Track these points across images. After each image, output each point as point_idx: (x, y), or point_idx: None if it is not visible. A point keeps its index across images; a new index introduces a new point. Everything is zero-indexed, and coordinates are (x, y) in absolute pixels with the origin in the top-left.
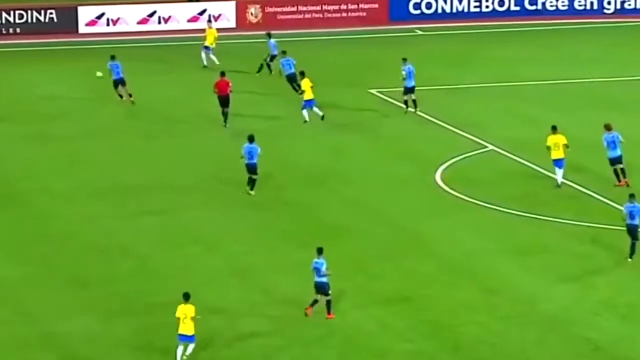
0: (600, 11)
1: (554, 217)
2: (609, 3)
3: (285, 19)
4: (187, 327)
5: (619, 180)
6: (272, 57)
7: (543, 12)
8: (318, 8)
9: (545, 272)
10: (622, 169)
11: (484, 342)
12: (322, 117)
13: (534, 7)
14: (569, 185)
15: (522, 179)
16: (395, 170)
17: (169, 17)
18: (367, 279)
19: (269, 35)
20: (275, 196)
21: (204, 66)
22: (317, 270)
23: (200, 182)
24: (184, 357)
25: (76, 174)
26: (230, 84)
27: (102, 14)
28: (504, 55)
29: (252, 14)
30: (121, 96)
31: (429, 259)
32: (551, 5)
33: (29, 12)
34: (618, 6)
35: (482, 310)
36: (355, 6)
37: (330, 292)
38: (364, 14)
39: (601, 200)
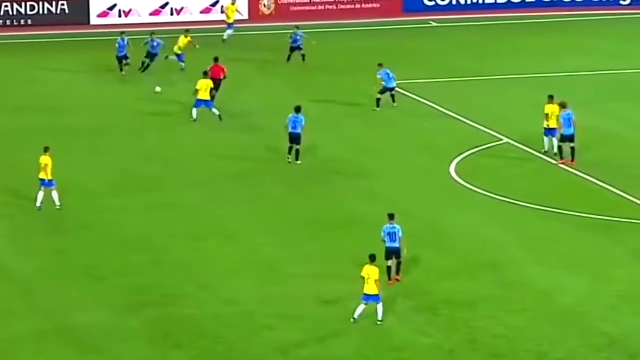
0: (616, 3)
1: (570, 211)
2: None
3: (298, 11)
4: (370, 288)
5: (562, 158)
6: (292, 49)
7: (559, 4)
8: (332, 0)
9: (561, 265)
10: (572, 148)
11: (500, 337)
12: (220, 117)
13: None
14: (586, 179)
15: (537, 172)
16: (411, 162)
17: (182, 8)
18: (384, 272)
19: (297, 28)
20: (292, 188)
21: (223, 40)
22: (391, 236)
23: (216, 174)
24: (378, 323)
25: (92, 166)
26: (225, 70)
27: (114, 6)
28: (519, 47)
29: (265, 5)
30: (122, 70)
31: (445, 252)
32: None
33: (41, 3)
34: None
35: (499, 304)
36: None
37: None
38: (378, 5)
39: (617, 194)
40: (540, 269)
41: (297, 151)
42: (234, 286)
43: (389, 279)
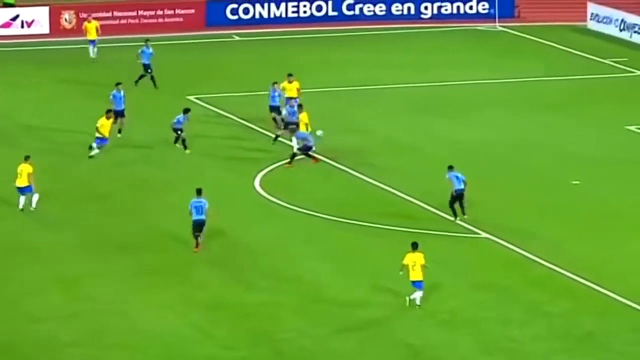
0: (417, 16)
1: (373, 223)
2: (425, 8)
3: (100, 25)
4: (416, 274)
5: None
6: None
7: (361, 17)
8: (134, 13)
9: (365, 278)
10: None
11: (305, 350)
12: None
13: (351, 12)
14: (388, 191)
15: (342, 184)
16: (215, 176)
17: None
18: (188, 286)
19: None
20: (98, 203)
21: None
22: (198, 209)
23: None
24: (412, 306)
25: None
26: None
27: None
28: (322, 61)
29: (66, 19)
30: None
31: (249, 266)
32: (369, 11)
33: None
34: (435, 11)
35: (303, 318)
36: (172, 12)
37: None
38: (181, 19)
39: (419, 205)
40: (345, 281)
41: (183, 140)
42: (39, 303)
43: (196, 246)
